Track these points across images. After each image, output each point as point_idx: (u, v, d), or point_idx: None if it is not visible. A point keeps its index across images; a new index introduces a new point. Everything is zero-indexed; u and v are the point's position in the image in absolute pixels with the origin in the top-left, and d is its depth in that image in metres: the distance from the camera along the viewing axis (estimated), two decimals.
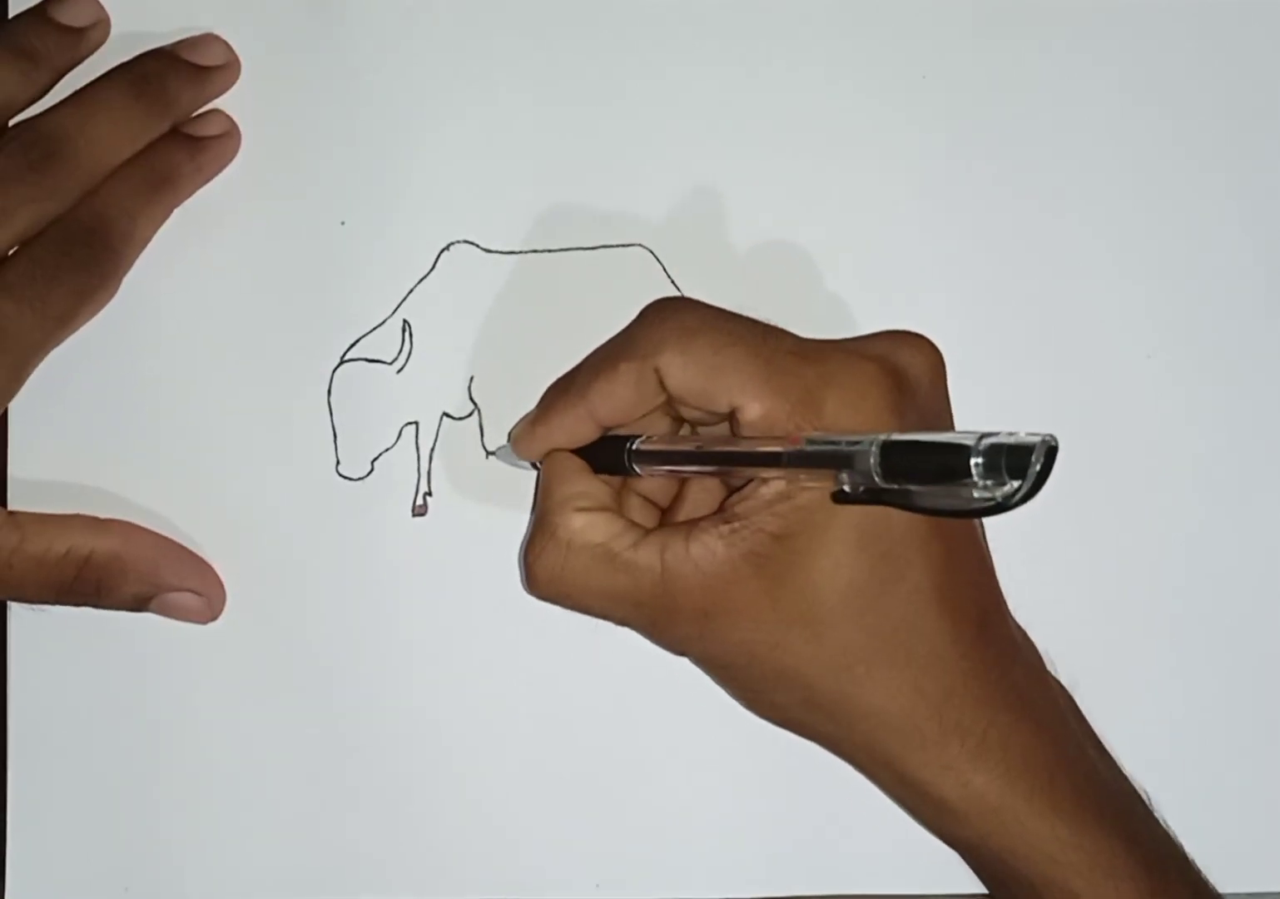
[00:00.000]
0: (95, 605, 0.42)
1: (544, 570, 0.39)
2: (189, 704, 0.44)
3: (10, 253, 0.41)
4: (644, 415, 0.40)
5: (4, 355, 0.40)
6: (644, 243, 0.45)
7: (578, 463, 0.40)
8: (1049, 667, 0.42)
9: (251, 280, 0.45)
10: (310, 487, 0.44)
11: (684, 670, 0.44)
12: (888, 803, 0.43)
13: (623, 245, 0.45)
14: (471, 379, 0.45)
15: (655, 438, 0.40)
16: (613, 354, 0.39)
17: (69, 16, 0.43)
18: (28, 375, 0.42)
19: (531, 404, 0.44)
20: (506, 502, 0.44)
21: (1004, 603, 0.41)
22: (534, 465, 0.42)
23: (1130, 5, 0.46)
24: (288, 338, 0.45)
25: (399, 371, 0.45)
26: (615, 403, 0.39)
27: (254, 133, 0.45)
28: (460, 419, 0.45)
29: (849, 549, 0.37)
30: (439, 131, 0.45)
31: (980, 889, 0.43)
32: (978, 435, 0.31)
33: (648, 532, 0.38)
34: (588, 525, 0.39)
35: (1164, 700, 0.44)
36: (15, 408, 0.43)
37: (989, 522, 0.41)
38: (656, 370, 0.38)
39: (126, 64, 0.43)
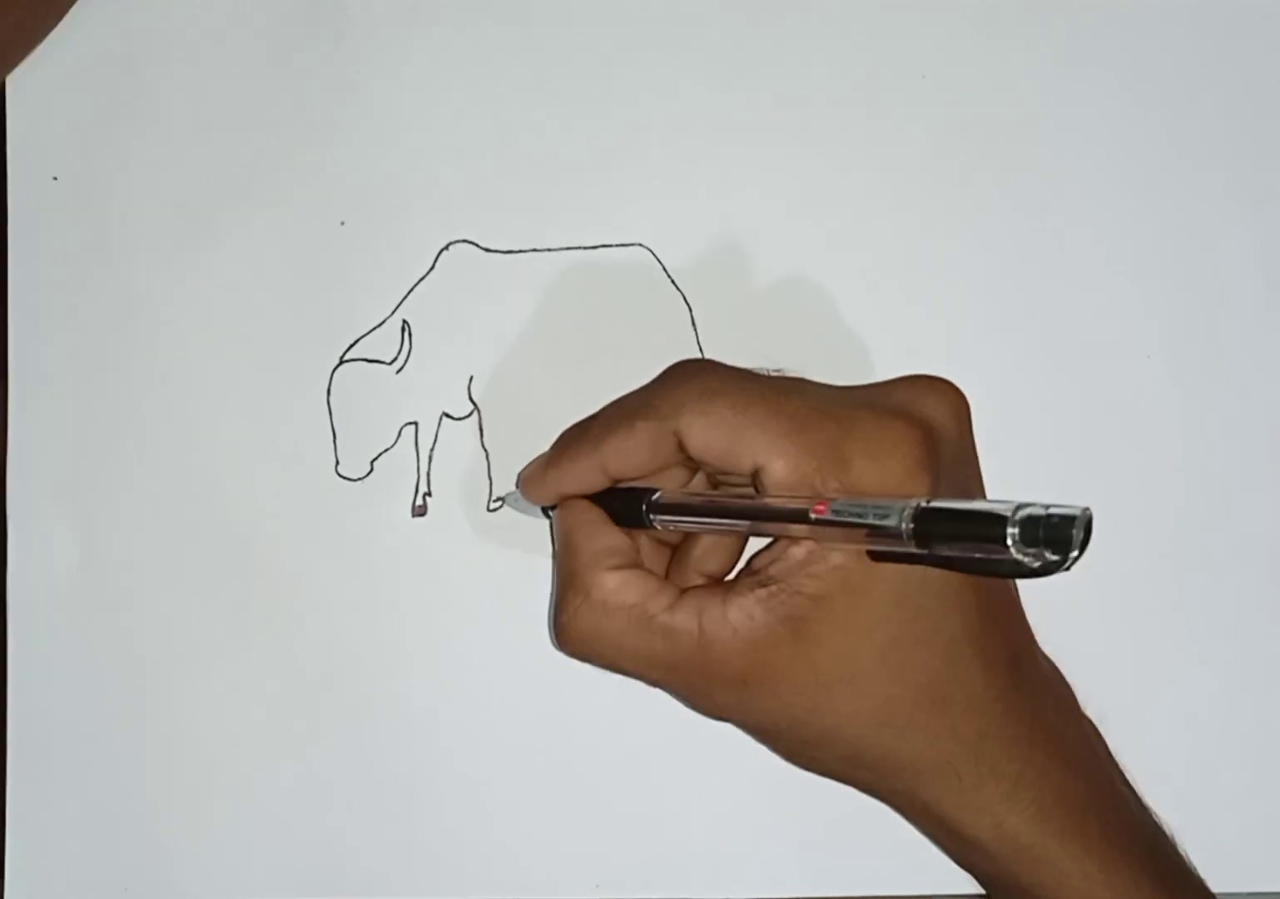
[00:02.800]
0: None
1: (577, 632, 0.38)
2: (188, 705, 0.44)
3: None
4: (657, 473, 0.39)
5: None
6: (644, 243, 0.45)
7: (597, 513, 0.40)
8: (1077, 621, 0.42)
9: (251, 280, 0.45)
10: (310, 487, 0.44)
11: None
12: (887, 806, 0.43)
13: (622, 245, 0.45)
14: (471, 379, 0.45)
15: (674, 493, 0.39)
16: (631, 412, 0.39)
17: None
18: None
19: (531, 404, 0.44)
20: (506, 502, 0.44)
21: (1034, 641, 0.41)
22: (545, 512, 0.42)
23: (1130, 5, 0.46)
24: (287, 338, 0.45)
25: (398, 372, 0.45)
26: (628, 460, 0.38)
27: (254, 133, 0.45)
28: (460, 419, 0.45)
29: (886, 607, 0.36)
30: (439, 132, 0.45)
31: (979, 890, 0.43)
32: (1014, 506, 0.31)
33: (682, 592, 0.38)
34: (622, 585, 0.38)
35: (1163, 700, 0.44)
36: (15, 408, 0.43)
37: None
38: (676, 433, 0.37)
39: None
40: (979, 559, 0.32)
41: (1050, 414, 0.45)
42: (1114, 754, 0.41)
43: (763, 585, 0.36)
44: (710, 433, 0.37)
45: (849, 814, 0.44)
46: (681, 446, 0.38)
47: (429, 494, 0.45)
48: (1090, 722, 0.42)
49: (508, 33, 0.45)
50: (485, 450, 0.45)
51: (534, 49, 0.45)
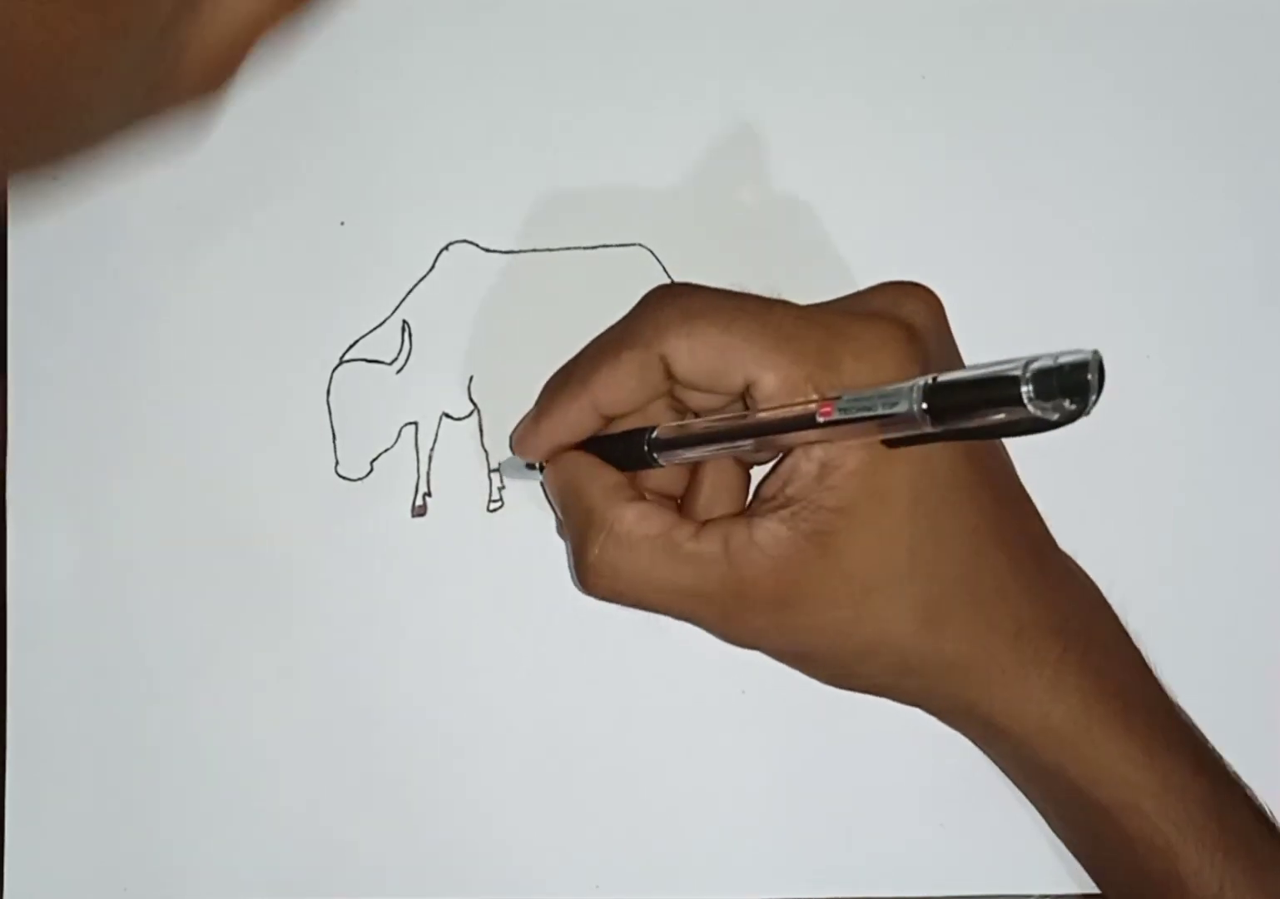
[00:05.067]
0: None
1: (605, 567, 0.38)
2: (188, 704, 0.44)
3: None
4: (647, 404, 0.39)
5: None
6: (644, 243, 0.45)
7: (593, 459, 0.40)
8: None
9: (251, 280, 0.45)
10: (310, 487, 0.44)
11: (685, 672, 0.44)
12: (888, 806, 0.43)
13: (622, 245, 0.45)
14: (471, 379, 0.45)
15: (673, 426, 0.39)
16: (614, 343, 0.39)
17: None
18: None
19: (531, 404, 0.44)
20: (506, 502, 0.44)
21: (1050, 535, 0.41)
22: (541, 479, 0.42)
23: (1130, 5, 0.46)
24: (287, 338, 0.45)
25: (398, 372, 0.45)
26: (619, 392, 0.38)
27: (254, 133, 0.45)
28: (460, 419, 0.45)
29: (906, 507, 0.36)
30: (439, 131, 0.45)
31: (983, 890, 0.43)
32: (1023, 363, 0.31)
33: (702, 523, 0.38)
34: (643, 516, 0.38)
35: None
36: (15, 408, 0.43)
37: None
38: (662, 357, 0.37)
39: None
40: (998, 423, 0.32)
41: None
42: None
43: (784, 506, 0.36)
44: (697, 353, 0.37)
45: (849, 814, 0.44)
46: (669, 373, 0.38)
47: (429, 494, 0.45)
48: (1116, 614, 0.42)
49: (508, 33, 0.45)
50: (485, 450, 0.45)
51: (534, 49, 0.45)
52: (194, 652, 0.44)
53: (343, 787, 0.44)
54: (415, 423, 0.45)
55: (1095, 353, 0.31)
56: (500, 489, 0.44)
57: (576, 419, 0.39)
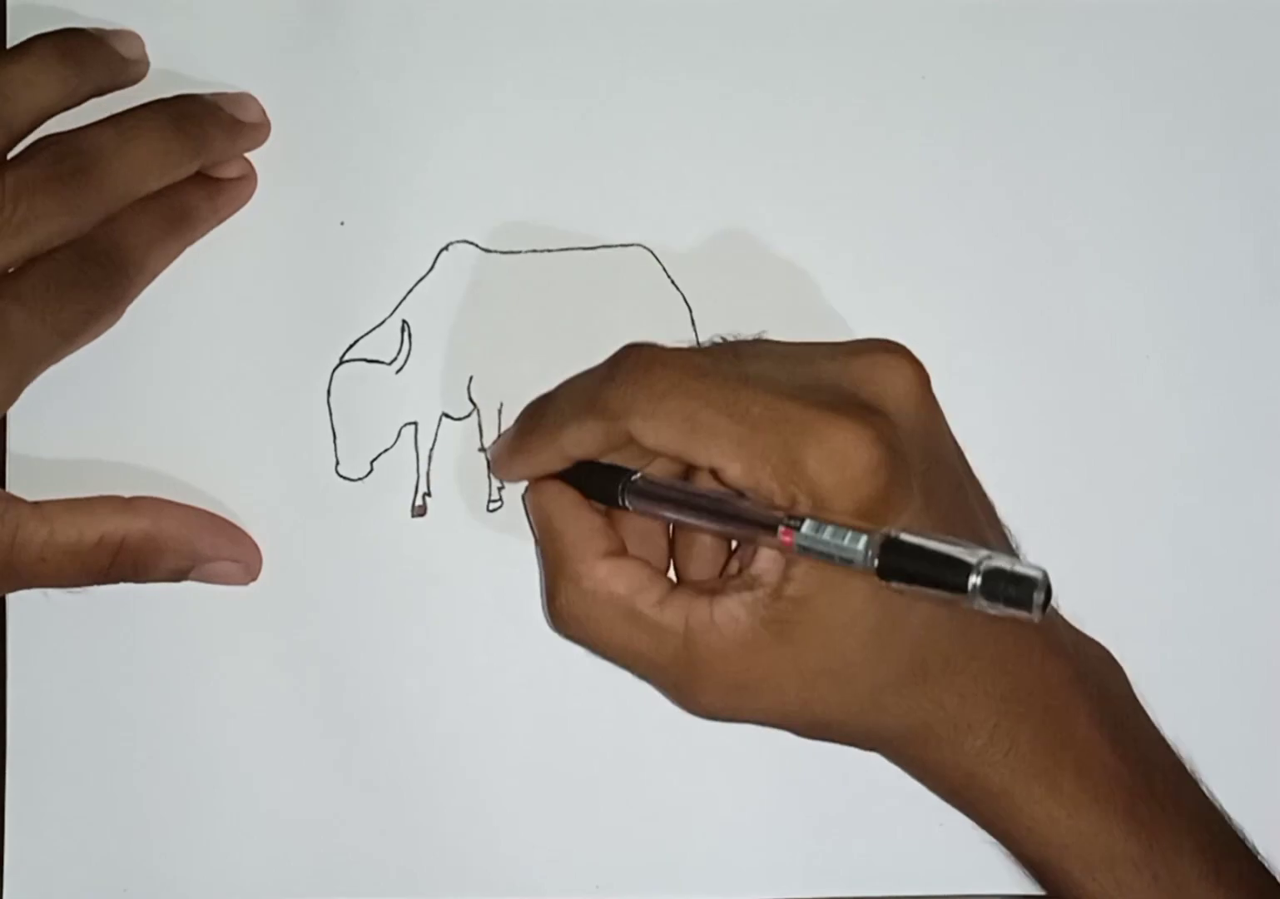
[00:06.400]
0: (133, 582, 0.42)
1: (568, 616, 0.39)
2: (188, 705, 0.44)
3: (22, 263, 0.41)
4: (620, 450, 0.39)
5: (9, 362, 0.40)
6: (644, 243, 0.45)
7: (571, 495, 0.40)
8: (1077, 623, 0.42)
9: (251, 280, 0.45)
10: (310, 487, 0.44)
11: None
12: (887, 806, 0.43)
13: (622, 245, 0.45)
14: (471, 379, 0.45)
15: (650, 479, 0.39)
16: (583, 406, 0.39)
17: (121, 45, 0.43)
18: (27, 384, 0.41)
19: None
20: (506, 502, 0.44)
21: None
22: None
23: (1130, 5, 0.46)
24: (287, 338, 0.45)
25: (398, 372, 0.45)
26: (587, 449, 0.39)
27: None
28: (459, 419, 0.45)
29: (863, 600, 0.37)
30: (438, 132, 0.45)
31: (983, 890, 0.43)
32: (981, 555, 0.32)
33: (672, 588, 0.38)
34: (611, 575, 0.38)
35: (1163, 700, 0.44)
36: (14, 408, 0.43)
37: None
38: (627, 433, 0.37)
39: (167, 100, 0.43)
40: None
41: (1048, 415, 0.45)
42: (1124, 679, 0.42)
43: (747, 588, 0.37)
44: (661, 434, 0.37)
45: (849, 814, 0.44)
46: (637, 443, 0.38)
47: (429, 494, 0.45)
48: (1090, 648, 0.42)
49: (507, 33, 0.45)
50: (485, 450, 0.45)
51: (534, 49, 0.45)
52: (193, 651, 0.44)
53: (342, 787, 0.44)
54: (415, 423, 0.45)
55: (1044, 574, 0.32)
56: (500, 489, 0.44)
57: (547, 460, 0.40)
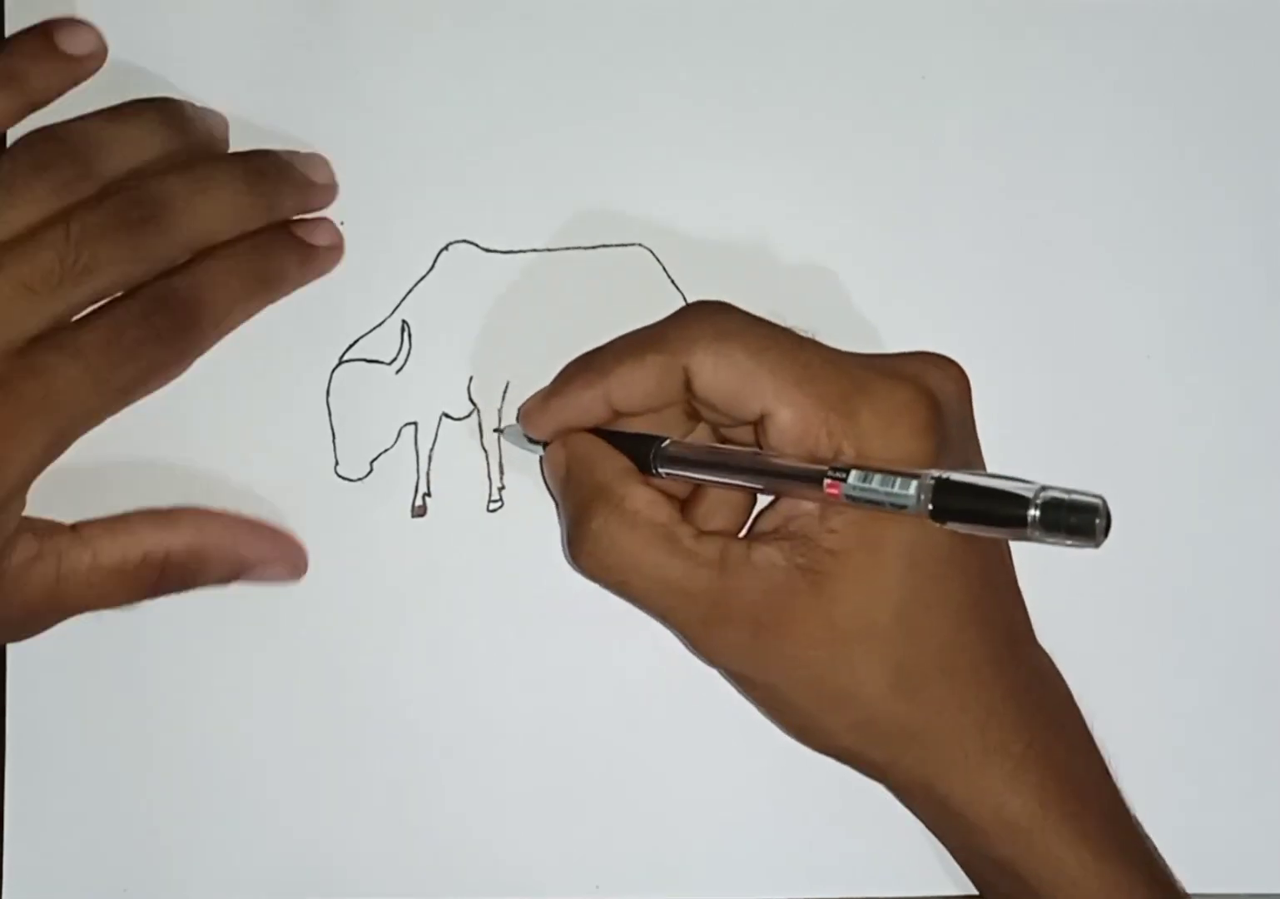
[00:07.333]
0: (180, 593, 0.42)
1: (604, 539, 0.38)
2: (188, 705, 0.44)
3: (91, 310, 0.40)
4: (660, 408, 0.39)
5: (49, 419, 0.38)
6: (644, 243, 0.45)
7: (606, 445, 0.40)
8: (1079, 622, 0.42)
9: None
10: (309, 487, 0.44)
11: (685, 671, 0.43)
12: (888, 805, 0.43)
13: (622, 245, 0.45)
14: (471, 379, 0.45)
15: (684, 444, 0.39)
16: (642, 343, 0.39)
17: (69, 44, 0.42)
18: (72, 442, 0.40)
19: None
20: (506, 502, 0.44)
21: (1031, 627, 0.41)
22: (540, 454, 0.42)
23: (1130, 5, 0.46)
24: (286, 338, 0.45)
25: (398, 372, 0.45)
26: (635, 391, 0.39)
27: (254, 133, 0.45)
28: (460, 419, 0.45)
29: (902, 567, 0.36)
30: (438, 131, 0.45)
31: (979, 890, 0.43)
32: (1036, 487, 0.32)
33: (704, 531, 0.38)
34: (654, 501, 0.38)
35: (1163, 699, 0.44)
36: None
37: None
38: (686, 369, 0.38)
39: (243, 153, 0.43)
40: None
41: (1050, 414, 0.45)
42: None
43: (785, 539, 0.37)
44: (721, 373, 0.37)
45: (849, 814, 0.44)
46: (689, 385, 0.38)
47: (429, 494, 0.45)
48: (1082, 717, 0.41)
49: (507, 32, 0.45)
50: (485, 450, 0.45)
51: (534, 49, 0.45)
52: (193, 651, 0.44)
53: (342, 787, 0.44)
54: (415, 423, 0.45)
55: (1103, 501, 0.32)
56: (500, 489, 0.44)
57: (588, 406, 0.40)
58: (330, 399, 0.45)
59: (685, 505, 0.41)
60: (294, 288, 0.43)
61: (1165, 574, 0.45)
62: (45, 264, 0.38)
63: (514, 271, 0.45)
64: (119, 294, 0.40)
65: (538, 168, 0.45)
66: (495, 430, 0.44)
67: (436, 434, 0.45)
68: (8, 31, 0.45)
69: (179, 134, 0.42)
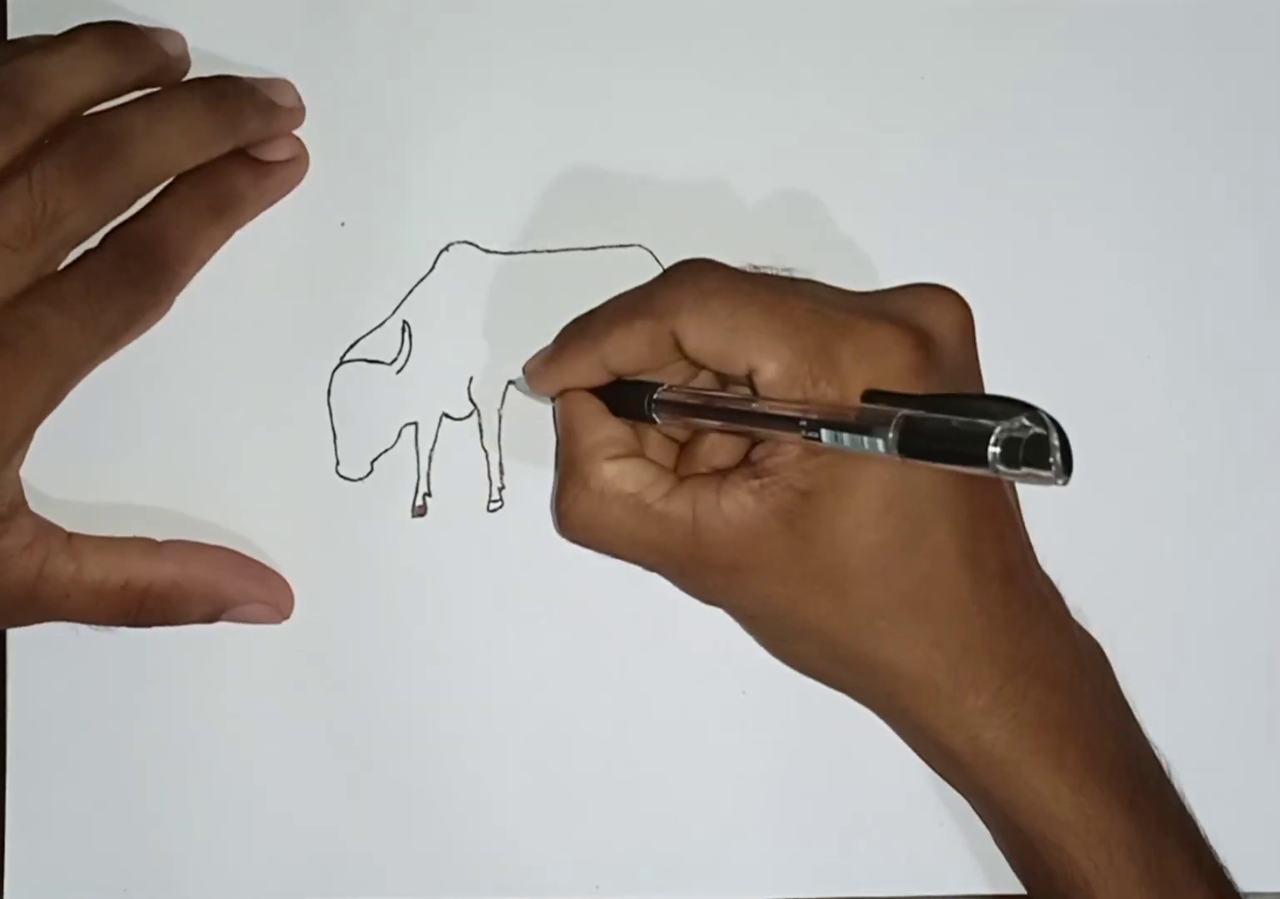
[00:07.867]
0: (163, 626, 0.42)
1: (577, 519, 0.39)
2: (188, 706, 0.44)
3: (66, 263, 0.40)
4: (659, 368, 0.40)
5: (48, 369, 0.39)
6: (643, 243, 0.45)
7: (597, 405, 0.41)
8: (1080, 620, 0.42)
9: (251, 280, 0.45)
10: (310, 487, 0.44)
11: (685, 672, 0.44)
12: (889, 805, 0.43)
13: (622, 246, 0.45)
14: (471, 379, 0.45)
15: (676, 388, 0.39)
16: (630, 309, 0.39)
17: (166, 42, 0.42)
18: (68, 391, 0.41)
19: (531, 406, 0.44)
20: (506, 502, 0.45)
21: (1031, 556, 0.41)
22: (553, 405, 0.42)
23: (1130, 5, 0.46)
24: (287, 338, 0.45)
25: (398, 372, 0.45)
26: (628, 356, 0.39)
27: None
28: (460, 419, 0.45)
29: (874, 508, 0.37)
30: (439, 132, 0.45)
31: (983, 890, 0.43)
32: (1001, 425, 0.32)
33: (679, 480, 0.39)
34: (619, 475, 0.39)
35: (1163, 699, 0.44)
36: None
37: None
38: (673, 332, 0.38)
39: (202, 79, 0.42)
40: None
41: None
42: (1114, 676, 0.42)
43: (756, 477, 0.37)
44: (705, 333, 0.38)
45: (849, 814, 0.44)
46: (680, 346, 0.38)
47: (429, 494, 0.45)
48: (1090, 640, 0.42)
49: (508, 33, 0.45)
50: (485, 450, 0.45)
51: (534, 49, 0.45)
52: (193, 651, 0.44)
53: (343, 787, 0.44)
54: (415, 423, 0.45)
55: (1060, 430, 0.32)
56: (500, 489, 0.45)
57: (585, 371, 0.40)
58: (331, 399, 0.45)
59: (689, 444, 0.41)
60: (257, 209, 0.44)
61: (1165, 574, 0.45)
62: (15, 219, 0.38)
63: (514, 272, 0.45)
64: (95, 245, 0.41)
65: (538, 168, 0.45)
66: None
67: (437, 434, 0.45)
68: (9, 33, 0.45)
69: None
